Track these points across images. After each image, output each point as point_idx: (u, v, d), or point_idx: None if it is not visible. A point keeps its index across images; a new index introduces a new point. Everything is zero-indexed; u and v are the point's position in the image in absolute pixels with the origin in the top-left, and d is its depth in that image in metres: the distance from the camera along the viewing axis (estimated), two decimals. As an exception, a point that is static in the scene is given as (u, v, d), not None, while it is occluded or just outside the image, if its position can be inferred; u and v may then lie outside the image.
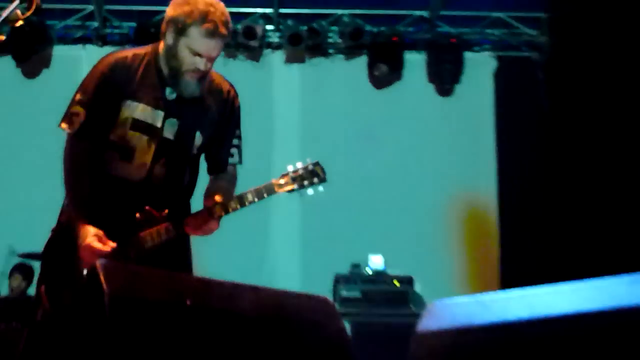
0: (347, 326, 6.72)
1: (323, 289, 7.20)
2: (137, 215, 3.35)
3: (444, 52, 8.74)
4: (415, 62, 8.84)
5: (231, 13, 8.10)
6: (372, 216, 8.51)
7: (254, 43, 8.51)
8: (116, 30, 8.41)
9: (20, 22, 3.15)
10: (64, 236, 3.39)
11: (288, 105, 8.87)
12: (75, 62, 8.40)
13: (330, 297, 6.89)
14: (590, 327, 2.24)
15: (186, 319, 2.44)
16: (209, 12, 3.33)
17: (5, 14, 3.12)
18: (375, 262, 7.55)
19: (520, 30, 8.96)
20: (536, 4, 8.89)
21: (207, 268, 7.64)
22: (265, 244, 8.65)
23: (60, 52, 8.57)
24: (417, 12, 8.79)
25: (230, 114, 3.65)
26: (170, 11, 3.40)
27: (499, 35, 9.00)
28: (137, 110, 3.46)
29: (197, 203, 3.76)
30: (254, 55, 8.77)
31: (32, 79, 8.55)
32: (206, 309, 2.50)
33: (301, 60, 8.91)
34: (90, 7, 8.25)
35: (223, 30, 3.34)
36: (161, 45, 3.45)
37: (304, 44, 8.62)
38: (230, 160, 3.68)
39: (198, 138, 3.54)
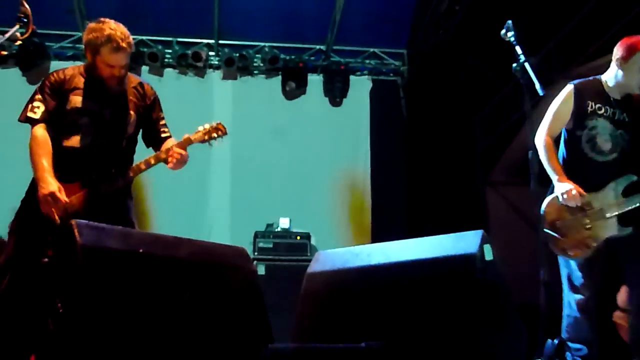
0: (262, 268, 7.28)
1: (245, 242, 7.48)
2: (93, 175, 3.39)
3: (336, 75, 9.18)
4: (315, 81, 9.29)
5: (184, 42, 8.97)
6: (282, 190, 8.77)
7: (199, 64, 8.90)
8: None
9: (19, 42, 3.26)
10: (31, 200, 3.36)
11: (224, 109, 9.03)
12: None
13: (249, 248, 7.38)
14: (427, 269, 2.84)
15: (139, 263, 2.47)
16: (111, 34, 3.41)
17: (7, 35, 3.20)
18: (284, 222, 7.92)
19: (388, 61, 9.45)
20: (400, 43, 9.33)
21: (162, 226, 8.32)
22: (204, 209, 8.78)
23: (56, 65, 8.14)
24: (317, 46, 9.24)
25: (152, 101, 3.70)
26: (85, 37, 3.49)
27: (373, 64, 9.43)
28: (79, 99, 3.47)
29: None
30: (200, 73, 9.09)
31: (34, 85, 8.35)
32: (154, 255, 2.53)
33: (234, 77, 9.23)
34: (79, 34, 8.30)
35: (124, 45, 3.43)
36: (88, 62, 3.52)
37: (236, 66, 9.01)
38: (163, 135, 3.70)
39: (132, 116, 3.57)
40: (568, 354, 2.98)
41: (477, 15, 7.84)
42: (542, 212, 3.71)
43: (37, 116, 3.45)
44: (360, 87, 9.50)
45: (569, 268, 3.72)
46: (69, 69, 3.62)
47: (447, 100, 9.19)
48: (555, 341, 2.97)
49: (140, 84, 3.74)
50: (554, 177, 3.70)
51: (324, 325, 3.08)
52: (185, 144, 3.56)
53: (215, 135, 3.65)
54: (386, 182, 9.17)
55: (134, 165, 3.52)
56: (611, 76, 3.80)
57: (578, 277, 3.66)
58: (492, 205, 8.92)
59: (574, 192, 3.59)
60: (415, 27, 9.04)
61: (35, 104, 3.48)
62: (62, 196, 3.28)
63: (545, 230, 3.65)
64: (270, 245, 7.72)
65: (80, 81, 3.55)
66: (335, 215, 8.95)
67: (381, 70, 9.58)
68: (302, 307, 3.18)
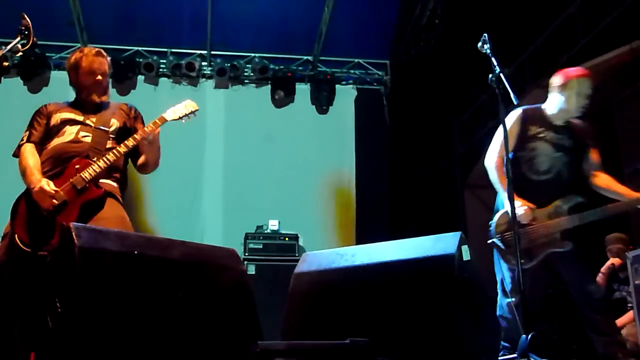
0: (252, 268, 7.31)
1: (236, 243, 7.57)
2: (77, 165, 3.33)
3: (322, 84, 9.24)
4: (302, 90, 9.32)
5: (178, 53, 9.02)
6: (272, 193, 8.73)
7: (193, 74, 8.94)
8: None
9: (20, 54, 3.44)
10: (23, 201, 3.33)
11: (216, 117, 9.08)
12: (67, 83, 8.60)
13: (240, 249, 7.38)
14: (407, 268, 2.87)
15: (134, 264, 2.46)
16: (84, 49, 3.65)
17: (9, 47, 3.20)
18: (273, 224, 7.91)
19: (372, 71, 9.51)
20: (383, 54, 9.42)
21: (157, 229, 8.37)
22: (197, 212, 8.72)
23: (56, 75, 8.59)
24: (304, 57, 9.26)
25: (135, 116, 3.71)
26: (67, 67, 3.65)
27: (358, 74, 9.50)
28: (64, 114, 3.52)
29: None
30: (193, 82, 9.11)
31: (35, 93, 8.60)
32: (148, 256, 2.52)
33: (226, 87, 9.24)
34: (78, 44, 8.30)
35: (96, 51, 3.60)
36: (72, 82, 3.64)
37: (228, 76, 9.03)
38: None
39: (115, 124, 3.57)
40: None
41: (455, 29, 7.88)
42: (493, 225, 3.88)
43: (23, 142, 3.54)
44: (346, 95, 9.53)
45: (502, 274, 3.87)
46: (57, 103, 3.71)
47: (428, 108, 9.21)
48: (529, 337, 2.93)
49: (127, 105, 3.81)
50: (503, 195, 3.84)
51: (311, 323, 3.09)
52: (159, 122, 3.55)
53: (186, 112, 3.64)
54: (370, 186, 9.18)
55: (115, 149, 3.47)
56: (552, 104, 3.99)
57: (508, 283, 3.82)
58: (469, 207, 8.90)
59: (522, 209, 3.72)
60: (397, 39, 9.09)
61: (24, 133, 3.58)
62: (51, 187, 3.26)
63: (494, 240, 3.83)
64: (260, 246, 7.69)
65: (64, 105, 3.65)
66: (322, 218, 8.95)
67: (365, 79, 9.62)
68: (290, 305, 3.18)
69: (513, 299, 3.74)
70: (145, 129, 3.48)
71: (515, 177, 3.79)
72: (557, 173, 3.88)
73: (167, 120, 3.57)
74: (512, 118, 3.97)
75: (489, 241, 3.85)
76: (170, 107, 3.64)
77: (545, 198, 3.82)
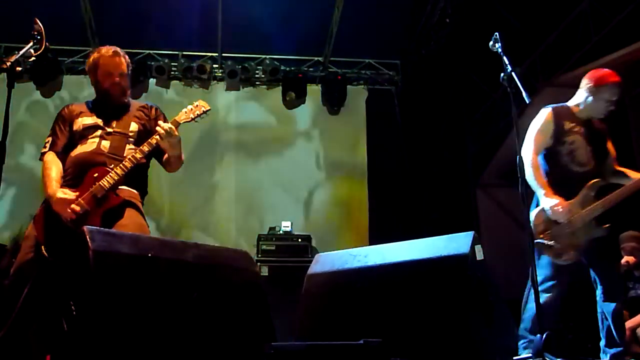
0: (266, 269, 7.27)
1: (249, 245, 7.76)
2: (95, 174, 3.32)
3: (333, 85, 9.22)
4: (314, 91, 9.33)
5: (189, 56, 9.07)
6: (284, 195, 8.78)
7: (204, 76, 8.99)
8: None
9: (33, 58, 3.07)
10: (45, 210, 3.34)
11: (228, 119, 9.17)
12: (79, 87, 8.71)
13: (253, 250, 7.39)
14: (420, 268, 2.86)
15: (148, 266, 2.47)
16: (102, 49, 3.61)
17: (22, 52, 3.15)
18: (285, 225, 7.81)
19: (383, 71, 9.50)
20: (394, 54, 9.40)
21: (171, 231, 8.59)
22: (211, 214, 8.73)
23: (68, 79, 8.80)
24: (315, 58, 9.30)
25: (156, 116, 3.68)
26: (86, 68, 3.66)
27: (369, 74, 9.48)
28: (86, 119, 3.52)
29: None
30: (205, 84, 9.15)
31: (48, 97, 8.70)
32: (163, 259, 2.53)
33: (237, 89, 9.26)
34: (90, 49, 8.27)
35: (116, 51, 3.58)
36: (92, 83, 3.64)
37: (239, 78, 9.06)
38: None
39: (134, 126, 3.57)
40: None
41: (466, 27, 7.87)
42: (531, 225, 3.83)
43: (46, 149, 3.54)
44: (357, 96, 9.54)
45: (544, 273, 3.89)
46: (78, 104, 3.70)
47: (439, 107, 9.21)
48: (544, 335, 2.93)
49: (147, 105, 3.79)
50: (540, 192, 3.84)
51: (324, 324, 3.08)
52: (173, 126, 3.53)
53: (198, 112, 3.63)
54: (382, 186, 9.15)
55: (130, 155, 3.44)
56: (580, 101, 4.05)
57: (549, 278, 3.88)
58: (482, 206, 8.94)
59: (560, 209, 3.75)
60: (408, 39, 9.06)
61: (46, 140, 3.58)
62: (69, 194, 3.27)
63: (538, 241, 3.78)
64: (273, 248, 7.66)
65: (85, 108, 3.64)
66: (335, 219, 8.96)
67: (376, 80, 9.63)
68: (303, 306, 3.18)
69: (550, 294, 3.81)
70: (159, 129, 3.45)
71: (556, 171, 3.95)
72: (593, 164, 3.93)
73: (180, 123, 3.57)
74: (544, 117, 4.01)
75: (536, 241, 3.78)
76: (183, 109, 3.62)
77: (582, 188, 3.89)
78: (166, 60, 8.98)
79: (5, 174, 2.80)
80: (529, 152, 3.93)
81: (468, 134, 9.28)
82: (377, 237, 8.31)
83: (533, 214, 3.87)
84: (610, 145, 4.07)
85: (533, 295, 3.61)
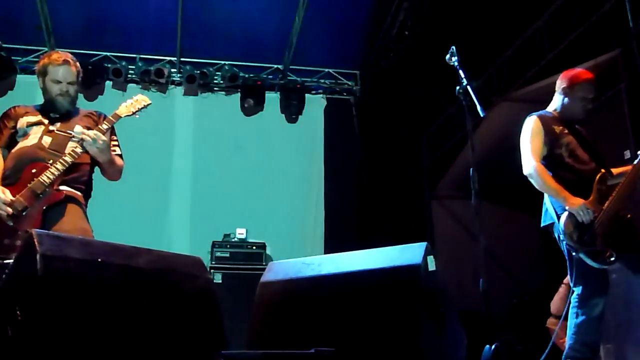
0: (219, 276, 7.27)
1: (203, 251, 7.56)
2: (33, 169, 3.28)
3: (292, 93, 9.21)
4: (272, 99, 9.30)
5: (147, 59, 8.96)
6: (239, 202, 8.74)
7: (162, 80, 8.85)
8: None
9: None
10: None
11: (185, 124, 9.12)
12: (33, 88, 8.16)
13: (207, 257, 7.37)
14: (373, 278, 2.87)
15: (98, 271, 2.42)
16: (52, 55, 3.62)
17: None
18: (240, 232, 7.84)
19: (342, 81, 9.53)
20: (353, 64, 9.43)
21: (122, 236, 8.34)
22: (164, 219, 8.66)
23: (22, 79, 8.50)
24: (275, 65, 9.23)
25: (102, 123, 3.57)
26: (35, 69, 3.69)
27: (328, 84, 9.52)
28: (31, 118, 3.49)
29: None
30: (162, 88, 9.03)
31: (1, 97, 8.40)
32: (113, 264, 2.48)
33: (195, 94, 9.22)
34: (45, 49, 8.22)
35: (65, 59, 3.56)
36: (40, 88, 3.64)
37: (197, 83, 8.97)
38: (113, 154, 3.57)
39: (78, 128, 3.47)
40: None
41: (425, 40, 7.96)
42: (563, 235, 3.67)
43: None
44: (316, 105, 9.56)
45: (582, 283, 3.71)
46: (26, 105, 3.68)
47: (397, 118, 9.31)
48: (494, 346, 2.97)
49: (96, 112, 3.77)
50: (559, 198, 3.70)
51: (276, 332, 3.07)
52: (113, 119, 3.53)
53: (139, 106, 3.62)
54: (338, 195, 9.18)
55: (70, 150, 3.40)
56: (557, 105, 3.99)
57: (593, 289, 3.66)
58: (437, 218, 9.02)
59: (586, 209, 3.61)
60: (367, 50, 9.12)
61: None
62: (6, 196, 3.21)
63: (580, 256, 3.59)
64: (227, 255, 7.65)
65: (32, 109, 3.63)
66: (290, 227, 8.96)
67: (335, 89, 9.65)
68: (256, 314, 3.17)
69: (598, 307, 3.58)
70: (84, 136, 3.38)
71: (562, 174, 3.82)
72: (595, 164, 3.86)
73: (120, 117, 3.55)
74: (531, 126, 3.92)
75: (574, 254, 3.61)
76: (122, 103, 3.61)
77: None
78: (123, 63, 8.85)
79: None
80: (530, 161, 3.83)
81: (424, 145, 9.37)
82: (332, 246, 8.31)
83: (561, 223, 3.68)
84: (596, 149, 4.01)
85: (573, 311, 3.64)
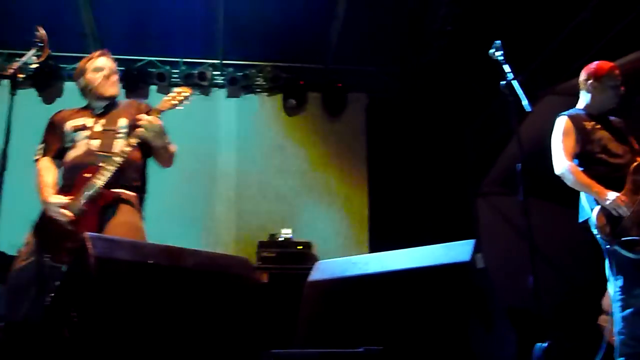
0: (266, 277, 7.30)
1: (249, 252, 7.64)
2: (86, 174, 3.33)
3: (334, 92, 9.21)
4: (314, 98, 9.30)
5: (190, 63, 9.05)
6: (285, 202, 8.80)
7: (205, 83, 8.90)
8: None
9: (35, 65, 3.25)
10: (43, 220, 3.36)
11: (228, 126, 9.14)
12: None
13: (253, 257, 7.40)
14: (420, 276, 2.86)
15: (148, 273, 2.48)
16: (87, 56, 3.73)
17: (24, 59, 3.24)
18: (286, 232, 7.84)
19: (383, 79, 9.35)
20: (393, 62, 9.28)
21: (170, 238, 8.43)
22: (210, 221, 8.72)
23: (69, 86, 8.53)
24: (316, 66, 9.26)
25: (147, 112, 3.58)
26: (74, 75, 3.76)
27: (369, 82, 9.38)
28: (75, 121, 3.54)
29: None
30: (205, 91, 9.06)
31: (50, 104, 8.60)
32: (162, 266, 2.54)
33: (237, 96, 9.21)
34: None
35: (100, 53, 3.71)
36: (81, 89, 3.69)
37: (239, 85, 9.04)
38: None
39: (122, 121, 3.55)
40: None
41: (466, 35, 7.87)
42: (597, 229, 3.67)
43: (38, 156, 3.60)
44: (357, 103, 9.47)
45: (622, 280, 3.71)
46: (68, 109, 3.76)
47: (439, 114, 9.18)
48: (545, 344, 2.93)
49: (138, 102, 3.82)
50: (592, 193, 3.71)
51: (324, 331, 3.08)
52: (154, 114, 3.53)
53: (180, 98, 3.60)
54: (383, 193, 9.11)
55: (119, 149, 3.45)
56: (587, 101, 4.02)
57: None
58: (483, 215, 8.90)
59: (619, 202, 3.61)
60: (408, 47, 9.05)
61: (39, 146, 3.63)
62: (61, 200, 3.30)
63: (615, 248, 3.59)
64: (274, 255, 7.67)
65: (75, 111, 3.69)
66: (335, 226, 8.94)
67: (376, 87, 9.53)
68: (303, 314, 3.17)
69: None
70: (142, 121, 3.44)
71: (595, 168, 3.83)
72: (630, 156, 3.87)
73: (163, 111, 3.54)
74: (562, 125, 3.95)
75: (608, 247, 3.62)
76: (164, 97, 3.61)
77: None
78: (167, 67, 8.98)
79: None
80: (562, 160, 3.85)
81: (468, 141, 9.28)
82: (377, 244, 8.25)
83: (593, 217, 3.70)
84: (633, 141, 4.00)
85: (617, 305, 3.62)
